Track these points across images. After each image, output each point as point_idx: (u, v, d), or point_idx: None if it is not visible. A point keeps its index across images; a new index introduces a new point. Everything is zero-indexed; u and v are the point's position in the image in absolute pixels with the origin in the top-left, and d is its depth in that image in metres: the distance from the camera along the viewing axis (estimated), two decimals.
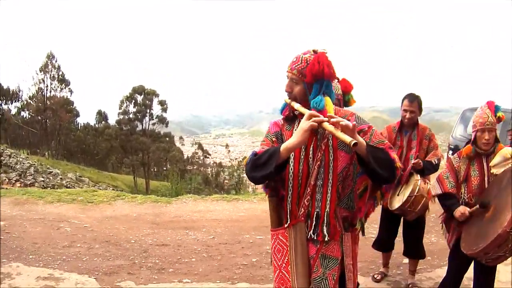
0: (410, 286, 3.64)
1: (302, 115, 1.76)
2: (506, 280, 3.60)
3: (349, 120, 1.70)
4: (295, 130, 1.79)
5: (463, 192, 2.71)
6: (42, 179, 17.16)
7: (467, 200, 2.68)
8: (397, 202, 3.31)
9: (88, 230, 5.38)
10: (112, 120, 41.59)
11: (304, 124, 1.66)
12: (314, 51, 1.77)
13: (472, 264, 2.74)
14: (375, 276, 3.79)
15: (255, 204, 6.89)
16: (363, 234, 2.07)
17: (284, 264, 1.86)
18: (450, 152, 7.90)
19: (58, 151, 36.09)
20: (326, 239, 1.81)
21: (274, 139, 1.90)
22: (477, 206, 2.50)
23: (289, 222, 1.85)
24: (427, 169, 3.32)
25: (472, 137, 2.68)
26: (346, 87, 2.93)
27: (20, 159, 19.04)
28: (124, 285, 3.73)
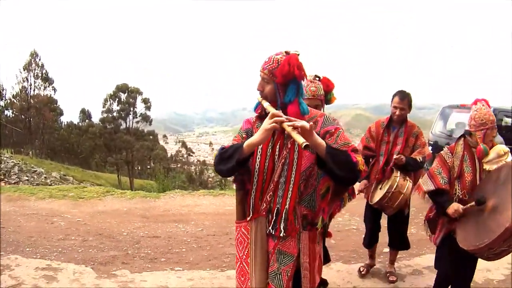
0: (388, 274, 3.79)
1: None
2: (500, 279, 3.80)
3: (316, 122, 1.84)
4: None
5: (457, 189, 2.69)
6: (27, 178, 17.04)
7: (461, 196, 2.66)
8: (377, 197, 3.40)
9: (81, 224, 5.54)
10: (96, 118, 41.24)
11: (266, 124, 1.71)
12: (286, 52, 1.80)
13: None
14: (361, 270, 3.87)
15: None
16: (326, 235, 2.14)
17: (244, 256, 1.92)
18: (430, 148, 8.22)
19: (42, 150, 35.55)
20: (281, 234, 1.85)
21: (244, 135, 1.97)
22: (473, 203, 2.47)
23: (251, 215, 1.91)
24: (410, 166, 3.35)
25: (482, 136, 2.63)
26: (328, 86, 2.98)
27: (4, 158, 18.85)
28: (119, 273, 3.92)
